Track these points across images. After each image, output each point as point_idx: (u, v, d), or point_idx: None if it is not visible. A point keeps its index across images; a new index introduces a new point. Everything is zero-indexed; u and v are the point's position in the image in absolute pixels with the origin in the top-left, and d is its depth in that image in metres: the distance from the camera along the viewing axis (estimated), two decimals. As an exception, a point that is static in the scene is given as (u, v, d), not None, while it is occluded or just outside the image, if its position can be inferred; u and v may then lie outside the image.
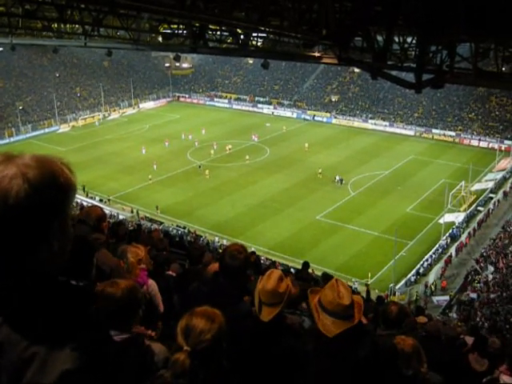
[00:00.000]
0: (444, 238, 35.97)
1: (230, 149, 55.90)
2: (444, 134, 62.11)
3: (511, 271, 29.88)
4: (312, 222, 38.99)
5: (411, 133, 63.62)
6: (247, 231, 37.49)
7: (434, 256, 34.50)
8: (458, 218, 39.00)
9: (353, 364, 2.84)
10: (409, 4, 9.34)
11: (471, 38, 11.28)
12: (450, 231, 37.05)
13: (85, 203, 32.86)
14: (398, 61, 11.97)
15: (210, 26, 17.74)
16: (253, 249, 29.01)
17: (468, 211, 40.55)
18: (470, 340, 7.45)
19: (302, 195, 43.60)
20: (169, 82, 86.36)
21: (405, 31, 12.05)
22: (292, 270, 24.28)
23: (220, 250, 21.66)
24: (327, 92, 76.16)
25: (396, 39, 12.08)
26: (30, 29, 20.10)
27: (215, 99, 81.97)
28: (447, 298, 30.49)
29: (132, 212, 41.15)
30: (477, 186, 45.15)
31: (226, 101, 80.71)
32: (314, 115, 71.53)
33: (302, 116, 71.93)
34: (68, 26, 21.14)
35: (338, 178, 46.02)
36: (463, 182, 43.22)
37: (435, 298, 30.66)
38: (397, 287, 30.75)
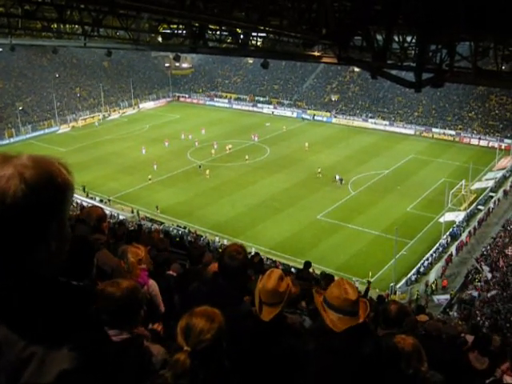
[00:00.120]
0: (444, 236, 35.95)
1: (230, 148, 55.86)
2: (444, 133, 62.09)
3: (511, 270, 29.88)
4: (312, 222, 38.98)
5: (411, 132, 63.62)
6: (247, 231, 37.48)
7: (434, 255, 34.51)
8: (458, 216, 39.01)
9: (355, 362, 2.86)
10: (409, 3, 9.34)
11: (471, 37, 11.28)
12: (451, 230, 37.04)
13: (85, 203, 32.81)
14: (398, 60, 11.97)
15: (210, 26, 17.71)
16: (253, 249, 29.07)
17: (468, 210, 40.55)
18: (470, 338, 7.45)
19: (302, 195, 43.57)
20: (169, 82, 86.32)
21: (404, 30, 12.06)
22: (293, 269, 24.27)
23: (220, 250, 21.64)
24: (327, 91, 76.14)
25: (396, 38, 12.09)
26: (30, 29, 20.06)
27: (215, 99, 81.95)
28: (448, 296, 30.51)
29: (132, 212, 41.16)
30: (477, 185, 45.18)
31: (226, 101, 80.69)
32: (314, 115, 71.51)
33: (302, 115, 71.93)
34: (67, 26, 21.10)
35: (337, 177, 45.96)
36: (463, 181, 43.23)
37: (436, 297, 30.68)
38: (397, 286, 30.77)
